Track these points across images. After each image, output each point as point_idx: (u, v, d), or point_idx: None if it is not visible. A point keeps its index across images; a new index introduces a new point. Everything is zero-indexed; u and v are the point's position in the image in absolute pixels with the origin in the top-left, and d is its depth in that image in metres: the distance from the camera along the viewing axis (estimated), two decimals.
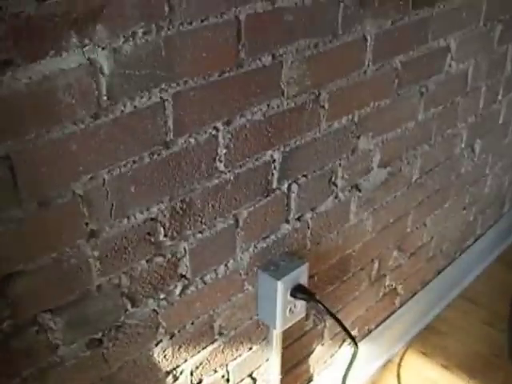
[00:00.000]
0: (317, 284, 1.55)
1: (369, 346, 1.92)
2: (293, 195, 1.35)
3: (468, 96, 1.82)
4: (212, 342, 1.34)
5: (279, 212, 1.33)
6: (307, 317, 1.61)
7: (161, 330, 1.20)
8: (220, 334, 1.35)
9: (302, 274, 1.35)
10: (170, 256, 1.14)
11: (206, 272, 1.23)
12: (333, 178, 1.44)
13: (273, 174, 1.27)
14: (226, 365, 1.41)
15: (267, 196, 1.29)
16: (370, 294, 1.83)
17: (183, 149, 1.06)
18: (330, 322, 1.71)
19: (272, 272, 1.32)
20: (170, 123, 1.02)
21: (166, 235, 1.11)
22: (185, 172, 1.08)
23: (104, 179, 0.96)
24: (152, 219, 1.07)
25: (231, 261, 1.28)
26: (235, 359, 1.43)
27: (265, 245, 1.34)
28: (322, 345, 1.74)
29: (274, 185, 1.29)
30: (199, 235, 1.18)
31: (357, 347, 1.39)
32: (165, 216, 1.09)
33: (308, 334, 1.65)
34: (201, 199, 1.14)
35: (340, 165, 1.45)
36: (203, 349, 1.32)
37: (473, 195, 2.17)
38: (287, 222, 1.37)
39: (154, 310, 1.16)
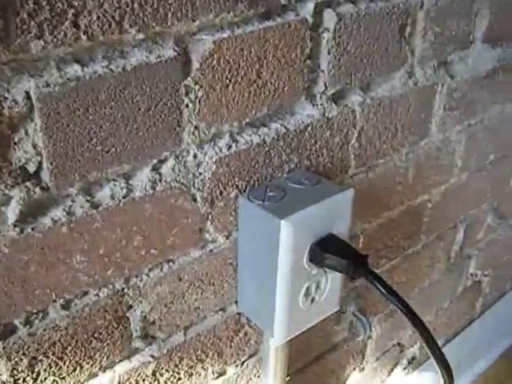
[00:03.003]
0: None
1: (427, 375, 1.15)
2: (325, 37, 0.60)
3: None
4: (124, 358, 0.59)
5: (292, 65, 0.59)
6: (339, 318, 0.86)
7: None
8: (147, 338, 0.60)
9: (338, 214, 0.60)
10: None
11: (100, 177, 0.49)
12: (407, 30, 0.69)
13: None
14: None
15: (267, 18, 0.54)
16: (444, 285, 1.07)
17: None
18: (378, 330, 0.95)
19: (271, 202, 0.57)
20: None
21: None
22: None
23: None
24: None
25: (170, 159, 0.53)
26: None
27: (257, 139, 0.59)
28: (361, 370, 0.98)
29: None
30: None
31: (452, 381, 0.63)
32: None
33: (338, 349, 0.89)
34: None
35: (422, 5, 0.70)
36: (100, 371, 0.58)
37: None
38: (310, 97, 0.62)
39: None
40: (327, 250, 0.58)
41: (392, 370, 1.07)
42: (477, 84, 0.84)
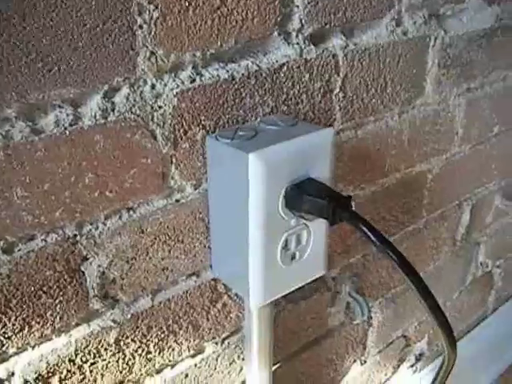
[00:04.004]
0: None
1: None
2: None
3: None
4: (82, 321, 0.53)
5: None
6: (334, 298, 0.79)
7: None
8: (107, 299, 0.54)
9: (317, 156, 0.54)
10: None
11: (43, 100, 0.44)
12: None
13: None
14: None
15: None
16: (452, 273, 1.00)
17: None
18: (379, 317, 0.88)
19: (240, 140, 0.52)
20: None
21: None
22: None
23: None
24: None
25: (124, 87, 0.48)
26: None
27: (224, 74, 0.54)
28: (363, 363, 0.90)
29: None
30: None
31: (454, 351, 0.56)
32: None
33: (335, 335, 0.82)
34: None
35: None
36: (54, 334, 0.52)
37: None
38: (284, 34, 0.57)
39: None
40: (305, 191, 0.52)
41: (398, 366, 0.98)
42: (474, 43, 0.79)
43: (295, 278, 0.59)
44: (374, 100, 0.68)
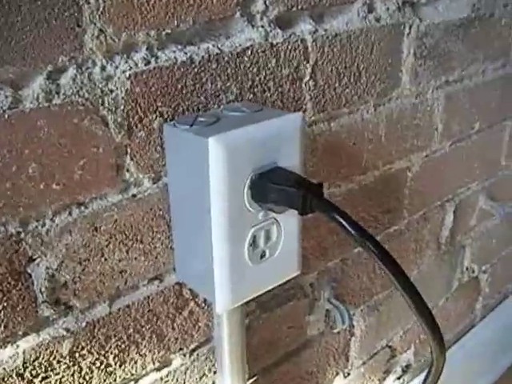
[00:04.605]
0: None
1: None
2: None
3: None
4: (30, 330, 0.48)
5: None
6: (312, 305, 0.74)
7: None
8: (58, 305, 0.49)
9: (284, 142, 0.50)
10: None
11: None
12: None
13: None
14: None
15: None
16: (437, 278, 0.95)
17: None
18: (362, 326, 0.83)
19: (199, 126, 0.47)
20: None
21: None
22: None
23: None
24: None
25: (70, 68, 0.44)
26: None
27: (182, 57, 0.50)
28: (346, 375, 0.85)
29: None
30: None
31: (442, 352, 0.51)
32: None
33: (314, 346, 0.77)
34: None
35: None
36: None
37: None
38: (247, 16, 0.53)
39: None
40: (272, 180, 0.48)
41: (384, 378, 0.93)
42: (451, 33, 0.76)
43: (266, 278, 0.54)
44: (347, 90, 0.65)
